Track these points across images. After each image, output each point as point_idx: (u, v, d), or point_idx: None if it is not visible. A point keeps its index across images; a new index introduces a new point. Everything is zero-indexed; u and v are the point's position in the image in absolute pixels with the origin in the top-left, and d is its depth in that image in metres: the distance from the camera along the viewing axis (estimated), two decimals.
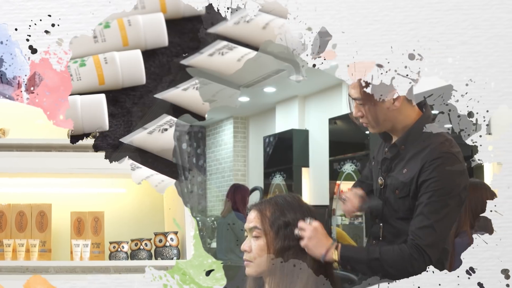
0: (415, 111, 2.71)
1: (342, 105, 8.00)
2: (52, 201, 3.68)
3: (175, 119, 2.80)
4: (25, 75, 2.62)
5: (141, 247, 3.59)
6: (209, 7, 2.65)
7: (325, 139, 8.44)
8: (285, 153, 9.14)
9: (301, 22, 2.61)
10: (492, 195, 2.59)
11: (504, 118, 2.59)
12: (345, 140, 7.99)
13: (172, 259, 3.52)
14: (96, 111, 2.73)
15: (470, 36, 2.60)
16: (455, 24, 2.60)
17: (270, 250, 2.42)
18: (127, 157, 2.74)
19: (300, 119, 9.42)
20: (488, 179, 4.18)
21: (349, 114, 2.78)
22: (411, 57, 2.59)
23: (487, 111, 2.57)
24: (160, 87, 2.82)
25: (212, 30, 2.84)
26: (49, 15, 2.60)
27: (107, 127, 2.74)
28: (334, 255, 2.49)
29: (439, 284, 2.54)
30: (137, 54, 2.81)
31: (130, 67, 2.79)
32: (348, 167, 7.89)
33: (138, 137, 2.76)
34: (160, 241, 3.57)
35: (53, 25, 2.61)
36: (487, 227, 2.58)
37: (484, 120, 2.57)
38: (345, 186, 7.58)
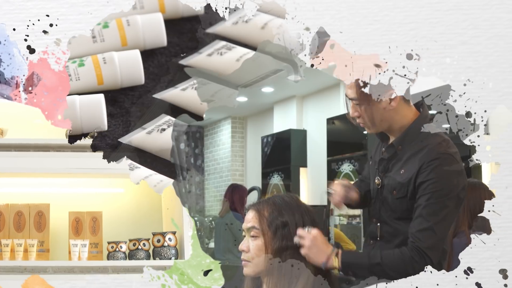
0: (412, 111, 2.71)
1: (340, 105, 8.01)
2: (50, 201, 3.67)
3: (174, 119, 2.80)
4: (23, 75, 2.62)
5: (139, 247, 3.58)
6: (208, 7, 2.66)
7: (323, 139, 8.45)
8: (283, 153, 9.15)
9: (299, 22, 2.61)
10: (490, 195, 2.59)
11: (502, 118, 2.59)
12: (343, 140, 8.00)
13: (170, 259, 3.52)
14: (95, 111, 2.72)
15: (470, 36, 2.60)
16: (455, 24, 2.60)
17: (268, 250, 2.42)
18: (126, 157, 2.74)
19: (298, 119, 9.43)
20: (486, 179, 4.19)
21: (346, 114, 2.78)
22: (409, 57, 2.59)
23: (485, 111, 2.57)
24: (159, 87, 2.82)
25: (211, 30, 2.84)
26: (47, 15, 2.60)
27: (105, 127, 2.74)
28: (335, 262, 2.50)
29: (437, 284, 2.54)
30: (136, 54, 2.81)
31: (129, 67, 2.79)
32: (346, 167, 7.90)
33: (137, 137, 2.76)
34: (158, 241, 3.57)
35: (51, 25, 2.61)
36: (485, 227, 2.58)
37: (482, 120, 2.57)
38: None
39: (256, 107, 10.20)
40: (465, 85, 2.57)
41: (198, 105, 2.82)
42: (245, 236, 2.49)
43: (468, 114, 2.57)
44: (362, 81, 2.59)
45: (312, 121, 9.18)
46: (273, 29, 2.72)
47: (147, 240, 3.60)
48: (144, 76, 2.81)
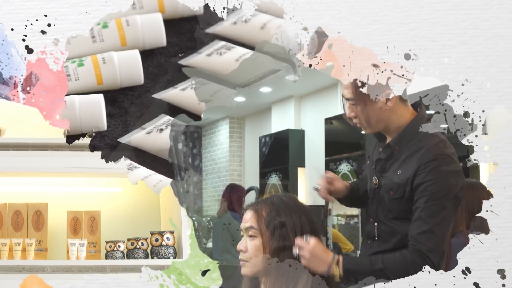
0: (409, 112, 2.71)
1: (338, 105, 8.00)
2: (49, 200, 3.68)
3: (173, 119, 2.80)
4: (22, 75, 2.62)
5: (138, 246, 3.58)
6: (206, 7, 2.66)
7: (321, 139, 8.45)
8: (281, 153, 9.15)
9: (297, 22, 2.61)
10: (489, 195, 2.59)
11: (500, 118, 2.59)
12: (341, 140, 8.00)
13: (168, 258, 3.52)
14: (94, 111, 2.73)
15: (470, 36, 2.60)
16: (455, 24, 2.60)
17: (265, 250, 2.42)
18: (125, 157, 2.74)
19: (296, 119, 9.43)
20: (484, 179, 4.19)
21: (342, 115, 2.78)
22: (407, 57, 2.59)
23: (483, 111, 2.57)
24: (158, 87, 2.82)
25: (210, 30, 2.84)
26: (45, 15, 2.60)
27: (105, 127, 2.74)
28: (336, 270, 2.49)
29: (435, 284, 2.54)
30: (135, 54, 2.81)
31: (128, 67, 2.79)
32: (344, 167, 7.90)
33: (136, 137, 2.76)
34: (157, 240, 3.57)
35: (49, 25, 2.61)
36: (483, 227, 2.58)
37: (480, 120, 2.57)
38: None
39: (254, 107, 10.20)
40: (463, 85, 2.57)
41: (198, 105, 2.82)
42: (243, 236, 2.49)
43: (466, 114, 2.57)
44: (359, 81, 2.60)
45: (310, 121, 9.18)
46: (272, 29, 2.72)
47: (145, 239, 3.61)
48: (144, 76, 2.81)
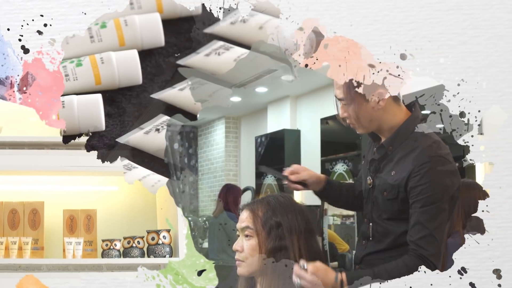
0: (402, 112, 2.70)
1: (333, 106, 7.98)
2: (45, 199, 3.68)
3: (170, 119, 2.80)
4: (18, 75, 2.61)
5: (134, 245, 3.59)
6: (203, 7, 2.65)
7: (317, 139, 8.45)
8: (277, 153, 9.14)
9: (293, 22, 2.61)
10: (485, 196, 2.59)
11: (495, 118, 2.60)
12: (337, 140, 8.00)
13: (164, 257, 3.52)
14: (92, 111, 2.73)
15: (470, 36, 2.60)
16: (455, 24, 2.60)
17: (262, 250, 2.42)
18: (124, 157, 2.74)
19: (292, 119, 9.42)
20: (480, 179, 4.19)
21: (336, 115, 2.78)
22: (403, 57, 2.59)
23: (479, 111, 2.57)
24: (157, 87, 2.82)
25: (208, 30, 2.84)
26: (41, 15, 2.60)
27: (103, 127, 2.74)
28: None
29: (431, 284, 2.54)
30: (134, 54, 2.81)
31: (127, 67, 2.79)
32: (340, 167, 7.90)
33: (135, 137, 2.76)
34: (153, 239, 3.57)
35: (45, 25, 2.61)
36: (479, 227, 2.58)
37: (476, 120, 2.57)
38: None
39: (250, 107, 10.19)
40: (459, 85, 2.58)
41: (196, 105, 2.82)
42: (239, 236, 2.49)
43: (462, 114, 2.57)
44: (355, 81, 2.59)
45: (306, 121, 9.18)
46: (269, 29, 2.72)
47: (142, 238, 3.61)
48: (142, 76, 2.81)
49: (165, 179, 2.78)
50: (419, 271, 2.52)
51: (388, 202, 2.68)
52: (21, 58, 2.60)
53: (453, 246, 2.83)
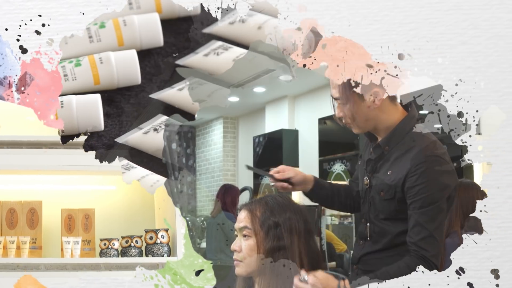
0: (399, 111, 2.70)
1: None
2: (43, 198, 3.68)
3: (168, 118, 2.80)
4: (16, 75, 2.61)
5: (132, 244, 3.59)
6: (202, 7, 2.65)
7: (315, 139, 8.45)
8: (275, 153, 9.13)
9: (291, 22, 2.61)
10: (483, 196, 2.59)
11: (493, 118, 2.60)
12: (335, 140, 8.00)
13: (162, 256, 3.52)
14: (91, 111, 2.73)
15: (470, 36, 2.60)
16: (455, 24, 2.60)
17: (260, 250, 2.42)
18: (123, 157, 2.74)
19: (290, 119, 9.41)
20: (477, 179, 4.19)
21: (333, 116, 2.78)
22: (401, 57, 2.59)
23: (477, 111, 2.57)
24: (156, 87, 2.82)
25: (207, 30, 2.84)
26: (39, 15, 2.60)
27: (102, 127, 2.74)
28: None
29: (429, 284, 2.54)
30: (133, 54, 2.81)
31: (126, 67, 2.79)
32: (338, 167, 7.90)
33: (134, 137, 2.76)
34: (151, 238, 3.57)
35: (43, 25, 2.61)
36: (477, 227, 2.59)
37: (474, 120, 2.57)
38: None
39: (247, 107, 10.19)
40: (457, 85, 2.58)
41: (195, 105, 2.82)
42: (237, 236, 2.49)
43: (460, 114, 2.57)
44: (353, 81, 2.59)
45: (304, 121, 9.17)
46: (267, 29, 2.72)
47: (140, 237, 3.61)
48: (141, 76, 2.81)
49: (163, 179, 2.78)
50: (417, 271, 2.52)
51: (385, 202, 2.68)
52: (19, 58, 2.60)
53: (451, 246, 2.83)
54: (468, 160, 2.59)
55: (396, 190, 2.62)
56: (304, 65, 2.60)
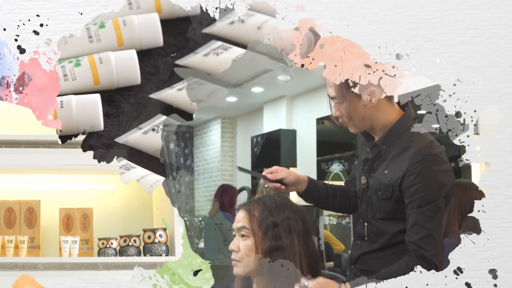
0: (395, 111, 2.70)
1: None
2: (41, 198, 3.67)
3: (166, 118, 2.80)
4: (14, 75, 2.61)
5: (130, 244, 3.59)
6: (201, 7, 2.65)
7: (313, 139, 8.46)
8: (272, 153, 9.14)
9: (289, 22, 2.61)
10: (481, 196, 2.59)
11: (491, 118, 2.60)
12: (333, 140, 8.01)
13: (161, 255, 3.52)
14: (91, 111, 2.73)
15: (470, 36, 2.60)
16: (455, 24, 2.60)
17: (258, 250, 2.41)
18: (122, 157, 2.74)
19: (287, 119, 9.43)
20: (475, 179, 4.20)
21: (330, 115, 2.78)
22: (398, 57, 2.59)
23: (475, 111, 2.57)
24: (155, 87, 2.82)
25: (207, 30, 2.84)
26: (38, 15, 2.60)
27: (102, 127, 2.74)
28: None
29: (427, 284, 2.54)
30: (132, 54, 2.81)
31: (125, 67, 2.79)
32: (336, 167, 7.92)
33: (133, 137, 2.76)
34: (149, 237, 3.57)
35: (41, 25, 2.61)
36: (475, 227, 2.59)
37: (472, 120, 2.57)
38: None
39: (245, 107, 10.20)
40: (454, 85, 2.58)
41: (193, 105, 2.82)
42: (235, 236, 2.49)
43: (458, 114, 2.57)
44: (351, 81, 2.59)
45: (302, 121, 9.19)
46: (266, 29, 2.72)
47: (138, 236, 3.61)
48: (140, 76, 2.81)
49: (163, 179, 2.78)
50: (414, 271, 2.52)
51: (383, 202, 2.68)
52: (18, 58, 2.60)
53: (449, 246, 2.83)
54: (466, 160, 2.59)
55: (393, 189, 2.63)
56: (302, 65, 2.60)
